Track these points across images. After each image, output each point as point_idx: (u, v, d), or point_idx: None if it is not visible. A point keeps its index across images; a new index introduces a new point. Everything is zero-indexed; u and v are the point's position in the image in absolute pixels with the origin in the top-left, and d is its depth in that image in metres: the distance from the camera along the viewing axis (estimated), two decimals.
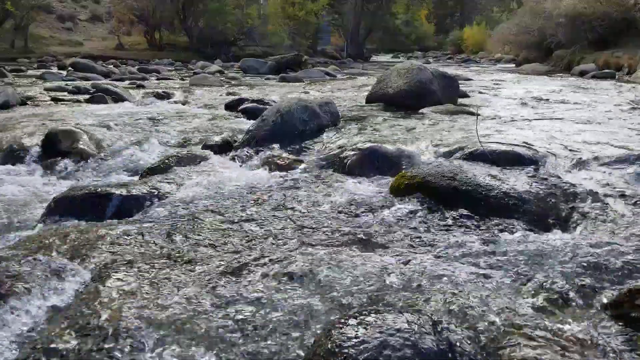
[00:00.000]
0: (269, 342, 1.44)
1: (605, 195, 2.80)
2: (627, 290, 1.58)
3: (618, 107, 6.39)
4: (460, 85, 7.53)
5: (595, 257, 2.05)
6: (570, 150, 3.58)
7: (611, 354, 1.43)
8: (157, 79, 12.34)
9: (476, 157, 3.40)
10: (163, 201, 2.71)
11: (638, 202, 2.67)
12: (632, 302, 1.53)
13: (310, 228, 2.38)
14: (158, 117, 5.82)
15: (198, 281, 1.79)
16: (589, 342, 1.47)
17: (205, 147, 4.10)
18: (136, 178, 3.44)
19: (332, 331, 1.32)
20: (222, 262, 1.96)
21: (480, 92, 8.47)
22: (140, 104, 7.22)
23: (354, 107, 6.36)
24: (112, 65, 17.13)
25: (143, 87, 9.73)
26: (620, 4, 14.75)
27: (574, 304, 1.73)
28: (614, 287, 1.77)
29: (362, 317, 1.35)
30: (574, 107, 6.42)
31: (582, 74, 13.41)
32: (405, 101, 6.04)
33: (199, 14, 25.41)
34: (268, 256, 2.03)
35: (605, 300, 1.67)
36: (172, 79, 12.44)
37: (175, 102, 7.52)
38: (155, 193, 2.79)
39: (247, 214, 2.55)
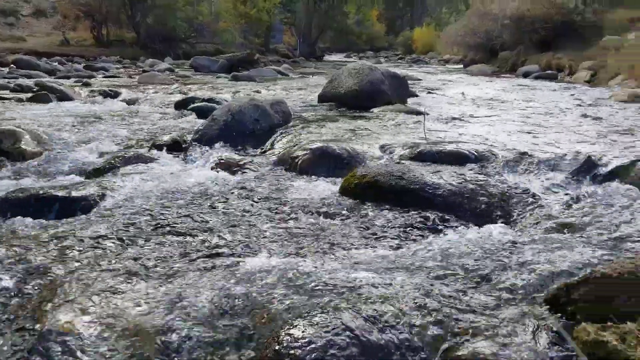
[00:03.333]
0: (210, 347, 1.44)
1: (544, 193, 2.91)
2: (563, 284, 1.65)
3: (559, 107, 6.65)
4: (410, 85, 7.67)
5: (535, 252, 2.13)
6: (513, 148, 3.70)
7: (549, 348, 1.49)
8: (105, 77, 11.99)
9: (424, 156, 3.48)
10: (108, 203, 2.64)
11: (573, 199, 2.79)
12: (568, 297, 1.60)
13: (258, 229, 2.38)
14: (105, 116, 5.67)
15: (139, 283, 1.76)
16: (529, 336, 1.53)
17: (153, 147, 4.01)
18: (81, 179, 3.34)
19: (280, 332, 1.33)
20: (164, 265, 1.93)
21: (429, 92, 8.64)
22: (87, 103, 7.00)
23: (306, 106, 6.38)
24: (57, 63, 16.51)
25: (89, 85, 9.44)
26: (562, 7, 15.35)
27: (514, 299, 1.79)
28: (552, 282, 1.85)
29: (309, 318, 1.36)
30: (517, 107, 6.64)
31: (526, 74, 13.86)
32: (357, 101, 6.11)
33: (148, 9, 24.82)
34: (213, 258, 2.01)
35: (543, 295, 1.74)
36: (120, 77, 12.11)
37: (123, 101, 7.33)
38: (101, 195, 2.72)
39: (193, 215, 2.52)
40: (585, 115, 5.68)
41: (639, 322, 1.47)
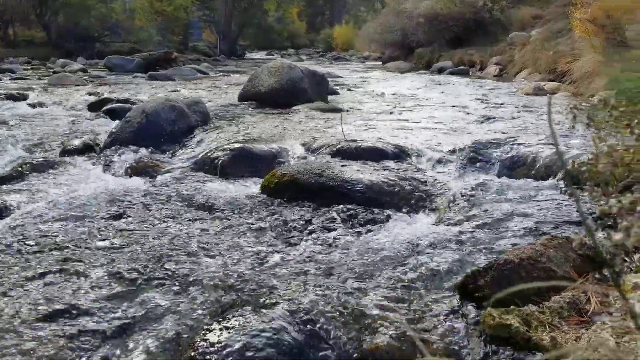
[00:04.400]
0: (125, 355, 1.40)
1: (456, 186, 3.04)
2: (471, 272, 1.74)
3: (470, 102, 6.94)
4: (330, 82, 7.75)
5: (449, 241, 2.23)
6: (427, 143, 3.83)
7: (458, 331, 1.56)
8: (12, 79, 11.26)
9: (343, 153, 3.54)
10: (12, 214, 2.50)
11: (486, 190, 2.93)
12: (475, 283, 1.69)
13: (175, 233, 2.33)
14: (11, 121, 5.35)
15: (39, 298, 1.68)
16: (440, 323, 1.60)
17: (64, 152, 3.83)
18: None
19: (195, 338, 1.31)
20: (73, 277, 1.85)
21: (349, 89, 8.78)
22: None
23: (226, 106, 6.31)
24: None
25: None
26: (471, 5, 16.02)
27: (429, 287, 1.87)
28: (462, 270, 1.94)
29: (225, 321, 1.35)
30: (431, 103, 6.87)
31: (440, 70, 14.36)
32: (277, 99, 6.11)
33: (58, 7, 23.57)
34: (126, 267, 1.95)
35: (454, 282, 1.82)
36: (28, 79, 11.43)
37: (32, 104, 6.93)
38: (4, 205, 2.57)
39: (106, 224, 2.43)
40: (493, 109, 5.97)
41: (540, 305, 1.58)
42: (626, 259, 1.82)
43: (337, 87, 8.48)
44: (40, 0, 23.23)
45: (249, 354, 1.25)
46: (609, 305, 1.56)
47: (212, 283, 1.76)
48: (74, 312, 1.60)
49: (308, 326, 1.40)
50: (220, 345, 1.27)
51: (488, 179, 3.14)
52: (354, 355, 1.40)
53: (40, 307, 1.62)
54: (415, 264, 2.02)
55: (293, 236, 2.33)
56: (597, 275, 1.78)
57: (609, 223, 2.16)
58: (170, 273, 1.88)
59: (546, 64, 10.05)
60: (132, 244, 2.19)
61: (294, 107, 5.79)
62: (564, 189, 2.71)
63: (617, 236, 0.97)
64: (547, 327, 1.47)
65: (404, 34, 18.60)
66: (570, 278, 1.70)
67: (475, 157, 3.50)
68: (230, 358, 1.24)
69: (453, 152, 3.62)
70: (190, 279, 1.81)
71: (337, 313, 1.57)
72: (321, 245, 2.23)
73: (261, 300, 1.55)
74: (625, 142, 1.78)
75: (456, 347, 1.49)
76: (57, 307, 1.63)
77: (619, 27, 6.96)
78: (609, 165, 1.64)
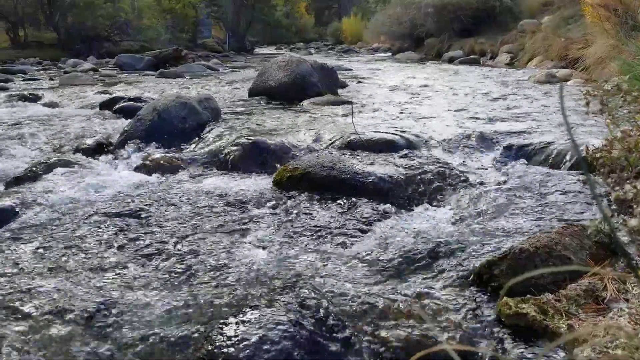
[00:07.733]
0: (142, 349, 1.41)
1: (470, 175, 3.03)
2: (486, 261, 1.73)
3: (482, 91, 6.89)
4: (340, 75, 7.73)
5: (464, 232, 2.22)
6: (439, 133, 3.82)
7: (474, 320, 1.56)
8: (23, 80, 11.37)
9: (354, 145, 3.53)
10: (30, 213, 2.52)
11: (501, 179, 2.91)
12: (490, 273, 1.68)
13: (190, 228, 2.34)
14: (25, 121, 5.40)
15: (60, 295, 1.70)
16: (457, 311, 1.60)
17: (77, 151, 3.86)
18: (0, 188, 3.18)
19: (212, 332, 1.32)
20: (90, 274, 1.87)
21: (358, 82, 8.74)
22: (4, 108, 6.64)
23: (237, 101, 6.32)
24: None
25: (7, 89, 8.94)
26: None
27: (445, 277, 1.86)
28: (477, 259, 1.93)
29: (241, 315, 1.36)
30: (442, 92, 6.83)
31: (451, 60, 14.29)
32: (287, 94, 6.11)
33: (67, 8, 23.73)
34: (142, 260, 1.97)
35: (469, 272, 1.81)
36: (40, 79, 11.53)
37: (44, 104, 6.98)
38: (21, 204, 2.60)
39: (119, 220, 2.45)
40: (505, 98, 5.92)
41: (555, 293, 1.56)
42: None
43: (347, 80, 8.45)
44: (49, 1, 23.40)
45: (266, 347, 1.25)
46: (626, 292, 1.54)
47: (227, 276, 1.77)
48: (95, 305, 1.61)
49: (324, 318, 1.40)
50: (236, 338, 1.28)
51: (503, 168, 3.12)
52: (370, 346, 1.40)
53: (63, 302, 1.64)
54: (430, 254, 2.01)
55: (306, 229, 2.34)
56: (613, 262, 1.76)
57: (625, 209, 2.13)
58: (185, 267, 1.89)
59: (558, 51, 9.94)
60: (145, 240, 2.21)
61: (304, 101, 5.79)
62: (579, 175, 2.68)
63: (633, 222, 0.96)
64: (564, 315, 1.46)
65: (413, 25, 18.50)
66: (587, 265, 1.69)
67: (489, 146, 3.49)
68: (247, 351, 1.24)
69: (466, 141, 3.60)
70: (206, 273, 1.82)
71: (353, 304, 1.57)
72: (334, 237, 2.23)
73: (277, 293, 1.55)
74: None
75: (472, 337, 1.49)
76: (80, 301, 1.65)
77: (631, 10, 6.86)
78: (623, 150, 1.62)
